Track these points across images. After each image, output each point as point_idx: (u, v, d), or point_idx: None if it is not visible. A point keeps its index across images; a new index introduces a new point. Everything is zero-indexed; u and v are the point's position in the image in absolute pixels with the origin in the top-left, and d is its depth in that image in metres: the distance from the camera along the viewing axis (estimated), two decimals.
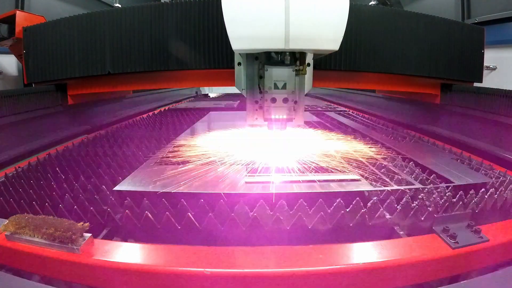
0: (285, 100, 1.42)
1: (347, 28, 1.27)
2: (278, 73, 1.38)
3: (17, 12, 2.61)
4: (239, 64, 1.59)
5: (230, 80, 2.09)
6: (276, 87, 1.40)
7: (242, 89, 1.63)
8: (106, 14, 2.34)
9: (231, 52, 1.52)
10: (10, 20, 2.60)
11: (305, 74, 1.43)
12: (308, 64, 1.53)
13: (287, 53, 1.36)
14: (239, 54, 1.52)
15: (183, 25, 2.19)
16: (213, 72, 2.32)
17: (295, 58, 1.42)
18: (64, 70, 2.43)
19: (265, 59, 1.43)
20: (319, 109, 3.88)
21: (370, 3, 6.32)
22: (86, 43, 2.35)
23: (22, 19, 2.61)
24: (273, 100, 1.43)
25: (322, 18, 1.18)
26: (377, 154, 1.74)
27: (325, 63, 2.12)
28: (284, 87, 1.40)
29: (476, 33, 2.60)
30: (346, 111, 3.72)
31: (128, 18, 2.27)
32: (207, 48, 2.18)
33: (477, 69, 2.61)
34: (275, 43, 1.19)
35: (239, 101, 4.88)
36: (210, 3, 2.14)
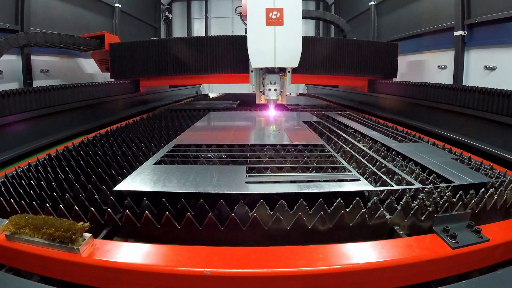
0: (275, 90, 2.88)
1: (309, 51, 3.87)
2: (271, 77, 2.89)
3: (106, 33, 4.23)
4: (251, 71, 3.04)
5: (244, 79, 3.64)
6: (271, 83, 2.89)
7: (253, 85, 3.08)
8: (170, 40, 4.37)
9: (246, 65, 3.07)
10: (100, 38, 4.19)
11: (286, 77, 2.92)
12: (289, 71, 2.97)
13: (276, 68, 2.83)
14: (253, 66, 2.83)
15: (216, 50, 3.94)
16: (235, 75, 4.02)
17: (280, 69, 2.87)
18: (141, 71, 4.17)
19: (265, 70, 2.91)
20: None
21: (370, 3, 6.36)
22: (156, 57, 4.05)
23: (108, 37, 4.24)
24: (270, 90, 2.88)
25: (289, 51, 2.66)
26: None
27: (300, 70, 3.64)
28: (274, 83, 2.88)
29: (392, 47, 4.33)
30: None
31: (184, 43, 4.02)
32: (230, 61, 3.92)
33: (393, 70, 4.33)
34: (270, 63, 2.68)
35: (238, 101, 4.88)
36: (235, 39, 3.89)
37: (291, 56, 2.65)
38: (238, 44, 3.83)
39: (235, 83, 4.22)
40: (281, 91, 2.92)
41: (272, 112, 3.20)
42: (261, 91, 2.99)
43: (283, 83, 2.93)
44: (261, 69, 2.92)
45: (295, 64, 2.67)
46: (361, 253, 0.91)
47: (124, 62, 4.14)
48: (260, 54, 2.63)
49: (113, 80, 4.25)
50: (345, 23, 5.11)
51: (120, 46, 4.16)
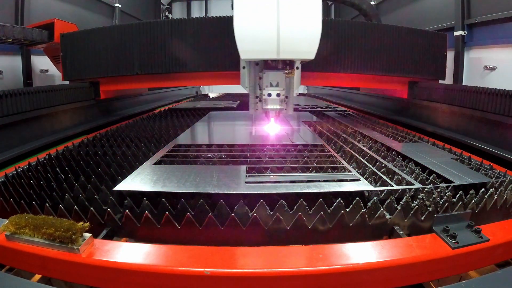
0: (278, 95, 1.88)
1: (328, 39, 2.23)
2: (272, 76, 1.86)
3: (55, 20, 3.11)
4: (243, 67, 2.02)
5: (233, 79, 2.76)
6: (271, 85, 1.87)
7: (246, 87, 2.07)
8: (134, 26, 2.93)
9: (235, 59, 1.95)
10: (49, 27, 3.09)
11: (293, 76, 1.88)
12: (297, 68, 1.99)
13: (280, 61, 1.77)
14: (242, 58, 1.77)
15: (196, 37, 2.81)
16: (219, 74, 2.98)
17: (286, 64, 1.80)
18: (98, 70, 3.02)
19: (263, 65, 1.87)
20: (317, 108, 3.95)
21: (370, 3, 6.35)
22: (118, 49, 2.93)
23: (59, 26, 3.12)
24: (269, 95, 1.88)
25: (302, 37, 1.58)
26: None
27: (314, 66, 2.69)
28: (277, 85, 1.87)
29: (439, 39, 3.13)
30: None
31: (152, 30, 2.86)
32: (215, 54, 2.80)
33: (440, 69, 3.16)
34: (270, 54, 1.61)
35: (238, 101, 4.88)
36: (218, 20, 2.80)
37: (304, 43, 1.60)
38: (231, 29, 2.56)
39: (226, 85, 3.24)
40: (287, 96, 1.93)
41: (273, 129, 2.29)
42: (257, 97, 2.02)
43: (289, 85, 1.94)
44: (256, 63, 1.95)
45: (311, 56, 1.62)
46: (361, 253, 0.91)
47: (79, 58, 3.05)
48: (254, 40, 1.58)
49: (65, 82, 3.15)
50: (371, 6, 3.85)
51: (74, 37, 3.05)
